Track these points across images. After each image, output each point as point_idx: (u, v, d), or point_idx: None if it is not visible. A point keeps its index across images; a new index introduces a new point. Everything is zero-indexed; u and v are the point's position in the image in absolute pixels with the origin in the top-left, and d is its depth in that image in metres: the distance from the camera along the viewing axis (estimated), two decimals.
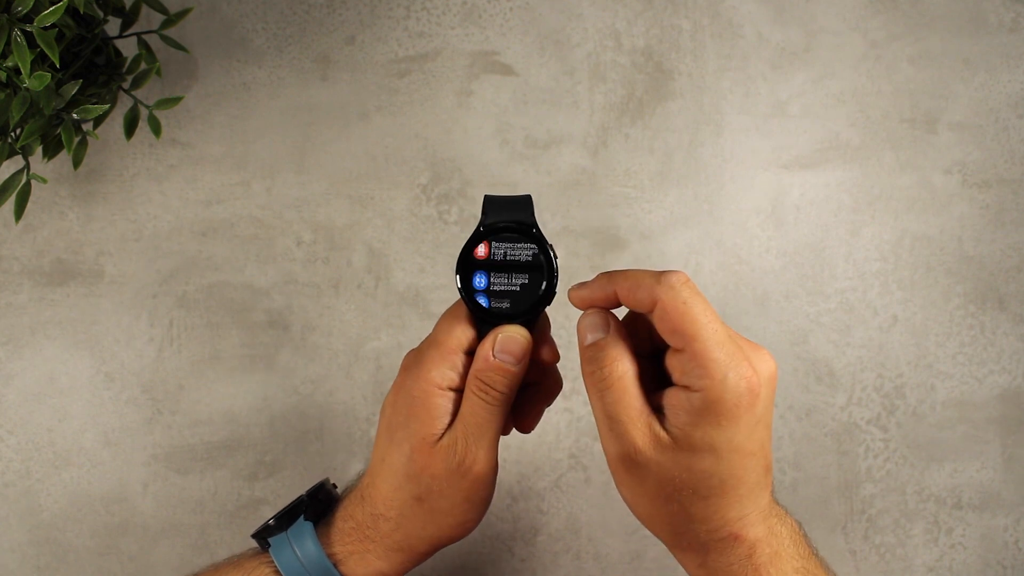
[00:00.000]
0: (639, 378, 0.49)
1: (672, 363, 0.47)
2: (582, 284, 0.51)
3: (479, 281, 0.52)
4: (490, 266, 0.52)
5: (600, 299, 0.50)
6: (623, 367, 0.48)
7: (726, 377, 0.46)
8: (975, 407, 0.72)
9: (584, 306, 0.51)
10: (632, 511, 0.51)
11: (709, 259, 0.72)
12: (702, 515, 0.48)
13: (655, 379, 0.50)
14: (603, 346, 0.49)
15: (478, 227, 0.52)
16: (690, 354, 0.46)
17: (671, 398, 0.47)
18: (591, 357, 0.49)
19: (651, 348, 0.51)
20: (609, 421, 0.48)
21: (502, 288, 0.52)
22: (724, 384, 0.46)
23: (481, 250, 0.52)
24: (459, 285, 0.52)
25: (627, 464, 0.48)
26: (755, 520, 0.49)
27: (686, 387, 0.46)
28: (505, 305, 0.52)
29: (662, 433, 0.47)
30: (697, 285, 0.71)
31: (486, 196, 0.53)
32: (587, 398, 0.71)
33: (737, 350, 0.46)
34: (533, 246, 0.52)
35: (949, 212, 0.73)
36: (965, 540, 0.72)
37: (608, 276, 0.50)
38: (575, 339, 0.72)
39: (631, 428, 0.48)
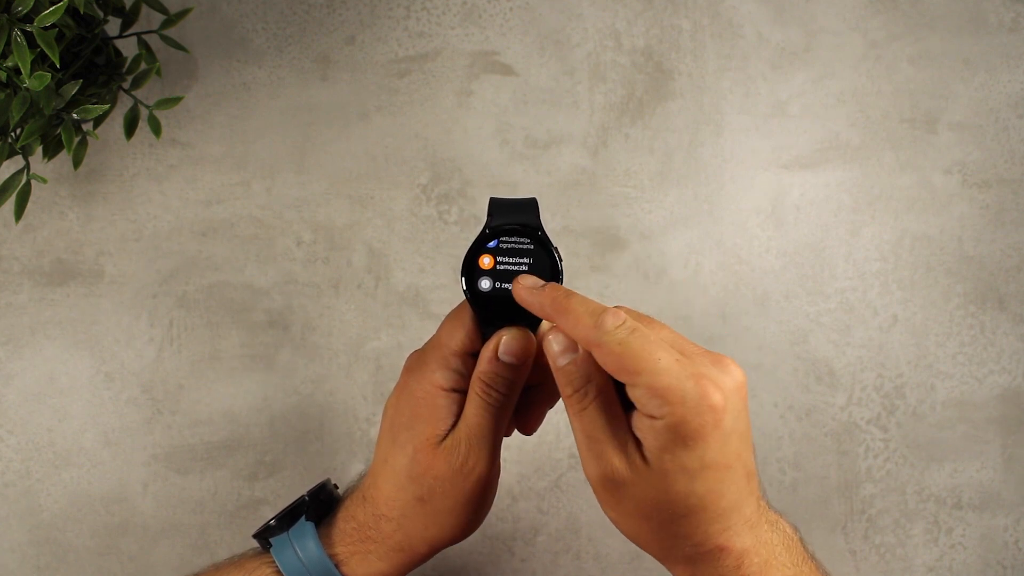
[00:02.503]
0: (618, 399, 0.48)
1: (632, 396, 0.47)
2: (533, 290, 0.50)
3: (484, 283, 0.52)
4: (495, 268, 0.52)
5: (540, 315, 0.50)
6: (597, 387, 0.48)
7: (684, 400, 0.45)
8: (975, 407, 0.72)
9: (525, 307, 0.51)
10: (618, 529, 0.51)
11: (709, 259, 0.72)
12: (685, 532, 0.48)
13: (627, 400, 0.49)
14: (577, 365, 0.48)
15: (484, 229, 0.52)
16: (641, 388, 0.46)
17: (638, 423, 0.47)
18: (568, 379, 0.49)
19: None
20: (588, 442, 0.48)
21: (506, 290, 0.52)
22: (684, 407, 0.45)
23: (486, 253, 0.52)
24: (464, 287, 0.52)
25: (607, 485, 0.48)
26: (740, 530, 0.49)
27: (650, 415, 0.46)
28: (509, 307, 0.52)
29: (637, 457, 0.47)
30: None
31: (492, 198, 0.53)
32: None
33: (692, 371, 0.46)
34: (538, 249, 0.52)
35: (949, 212, 0.73)
36: (965, 540, 0.72)
37: (552, 302, 0.49)
38: None
39: (609, 450, 0.47)
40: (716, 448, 0.46)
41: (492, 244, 0.52)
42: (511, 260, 0.52)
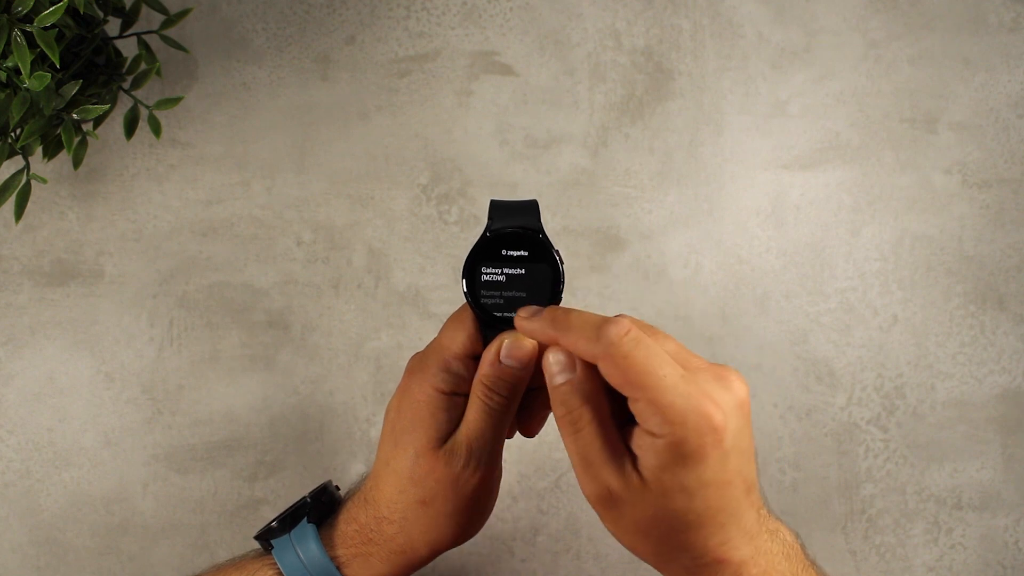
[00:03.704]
0: (612, 415, 0.48)
1: (634, 409, 0.47)
2: (532, 315, 0.50)
3: (485, 286, 0.52)
4: (496, 271, 0.52)
5: (543, 340, 0.49)
6: (593, 408, 0.48)
7: (686, 421, 0.45)
8: (975, 407, 0.72)
9: (527, 335, 0.50)
10: (619, 541, 0.51)
11: (709, 259, 0.72)
12: (683, 546, 0.48)
13: (628, 413, 0.49)
14: (573, 386, 0.48)
15: (484, 232, 0.52)
16: (644, 403, 0.45)
17: (638, 440, 0.47)
18: (562, 400, 0.48)
19: None
20: (583, 463, 0.48)
21: (508, 293, 0.52)
22: (685, 427, 0.45)
23: (487, 256, 0.52)
24: (465, 290, 0.52)
25: (604, 504, 0.48)
26: (739, 542, 0.49)
27: (650, 432, 0.46)
28: (511, 310, 0.52)
29: (634, 475, 0.47)
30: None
31: (492, 201, 0.53)
32: None
33: (695, 389, 0.46)
34: (539, 251, 0.52)
35: (949, 212, 0.73)
36: (965, 540, 0.72)
37: (552, 321, 0.49)
38: None
39: (603, 470, 0.47)
40: (715, 467, 0.46)
41: (495, 252, 0.52)
42: (514, 265, 0.52)
